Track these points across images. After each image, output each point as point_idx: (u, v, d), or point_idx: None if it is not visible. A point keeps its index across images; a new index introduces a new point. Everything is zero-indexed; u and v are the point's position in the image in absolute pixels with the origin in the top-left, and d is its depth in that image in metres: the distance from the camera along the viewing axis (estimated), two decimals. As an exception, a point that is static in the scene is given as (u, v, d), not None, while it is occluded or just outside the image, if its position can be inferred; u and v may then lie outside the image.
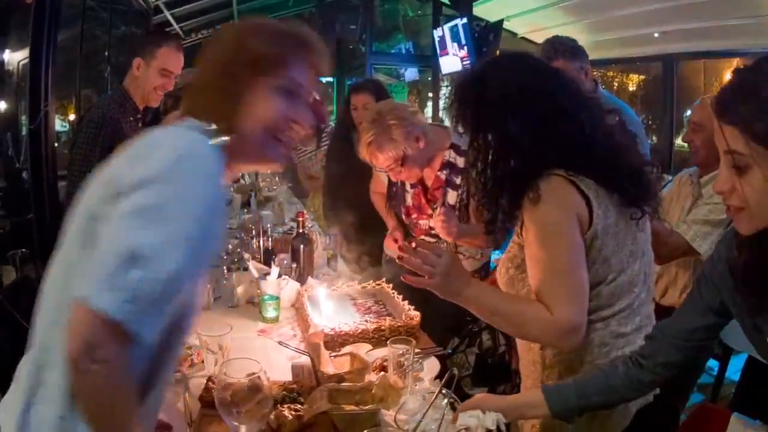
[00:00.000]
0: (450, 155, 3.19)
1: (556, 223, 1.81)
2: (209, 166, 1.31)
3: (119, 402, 1.21)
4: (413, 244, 1.93)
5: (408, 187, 3.37)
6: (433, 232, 3.25)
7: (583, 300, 1.80)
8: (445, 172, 3.20)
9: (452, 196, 3.17)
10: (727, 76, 1.41)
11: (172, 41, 3.43)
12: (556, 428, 1.96)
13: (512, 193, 1.87)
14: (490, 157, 1.91)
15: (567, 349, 1.88)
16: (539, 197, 1.80)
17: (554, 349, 1.96)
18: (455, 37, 8.78)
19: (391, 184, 3.50)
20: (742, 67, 1.36)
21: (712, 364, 4.58)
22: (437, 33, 9.35)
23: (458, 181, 3.11)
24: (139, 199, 1.20)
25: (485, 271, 3.40)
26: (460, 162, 3.12)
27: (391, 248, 3.57)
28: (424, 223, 3.35)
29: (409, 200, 3.40)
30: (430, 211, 3.29)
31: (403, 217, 3.44)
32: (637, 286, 1.93)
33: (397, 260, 2.01)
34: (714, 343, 2.06)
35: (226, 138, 1.42)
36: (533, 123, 1.82)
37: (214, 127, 1.42)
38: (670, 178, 3.66)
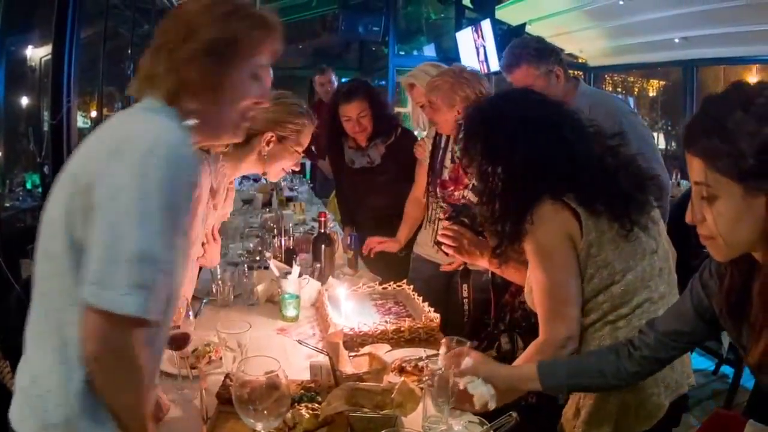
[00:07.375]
0: None
1: (546, 245, 1.98)
2: (181, 153, 1.36)
3: (145, 376, 1.34)
4: None
5: (447, 162, 3.44)
6: (462, 201, 3.26)
7: (570, 311, 1.97)
8: None
9: None
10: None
11: None
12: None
13: (515, 219, 2.00)
14: (498, 187, 2.05)
15: (567, 356, 1.97)
16: (533, 221, 1.97)
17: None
18: (477, 41, 8.74)
19: (432, 161, 3.54)
20: (710, 95, 1.37)
21: (728, 371, 4.59)
22: (460, 36, 9.32)
23: None
24: (126, 201, 1.27)
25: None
26: None
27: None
28: (458, 194, 3.35)
29: (446, 175, 3.44)
30: (466, 181, 3.31)
31: (438, 190, 3.46)
32: (652, 280, 2.02)
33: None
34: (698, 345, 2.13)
35: (196, 120, 1.51)
36: (537, 153, 1.98)
37: (183, 111, 1.50)
38: (688, 183, 3.61)
